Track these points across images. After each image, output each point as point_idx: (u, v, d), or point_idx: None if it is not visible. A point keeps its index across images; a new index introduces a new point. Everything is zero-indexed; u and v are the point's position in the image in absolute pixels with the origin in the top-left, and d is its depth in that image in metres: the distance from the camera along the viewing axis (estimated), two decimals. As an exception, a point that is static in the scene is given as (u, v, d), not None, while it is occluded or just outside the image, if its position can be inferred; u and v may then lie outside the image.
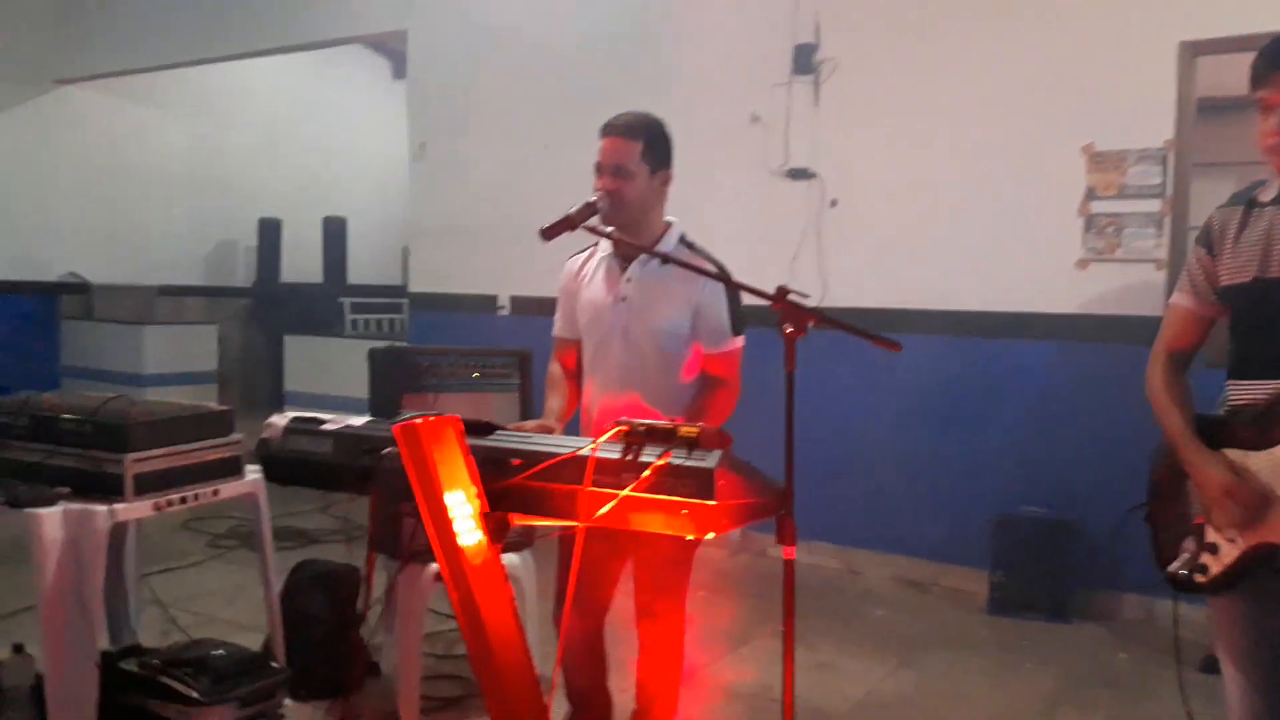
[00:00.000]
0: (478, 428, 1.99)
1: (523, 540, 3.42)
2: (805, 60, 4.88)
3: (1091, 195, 4.30)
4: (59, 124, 8.55)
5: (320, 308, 9.52)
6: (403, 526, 3.00)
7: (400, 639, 3.10)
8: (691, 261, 2.34)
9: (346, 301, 9.76)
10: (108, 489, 2.63)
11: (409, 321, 6.96)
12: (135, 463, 2.64)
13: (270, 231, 9.88)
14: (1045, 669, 3.74)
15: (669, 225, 2.53)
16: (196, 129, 9.55)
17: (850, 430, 4.77)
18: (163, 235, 9.31)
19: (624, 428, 1.85)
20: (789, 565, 1.99)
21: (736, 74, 5.12)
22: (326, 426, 2.13)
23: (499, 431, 2.05)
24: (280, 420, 2.19)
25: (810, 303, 1.94)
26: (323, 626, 3.28)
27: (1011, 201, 4.50)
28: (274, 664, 3.11)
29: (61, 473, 2.68)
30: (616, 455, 1.83)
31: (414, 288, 6.58)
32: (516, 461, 1.90)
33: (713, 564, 4.73)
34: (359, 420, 2.17)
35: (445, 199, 6.41)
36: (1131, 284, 4.23)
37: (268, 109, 10.06)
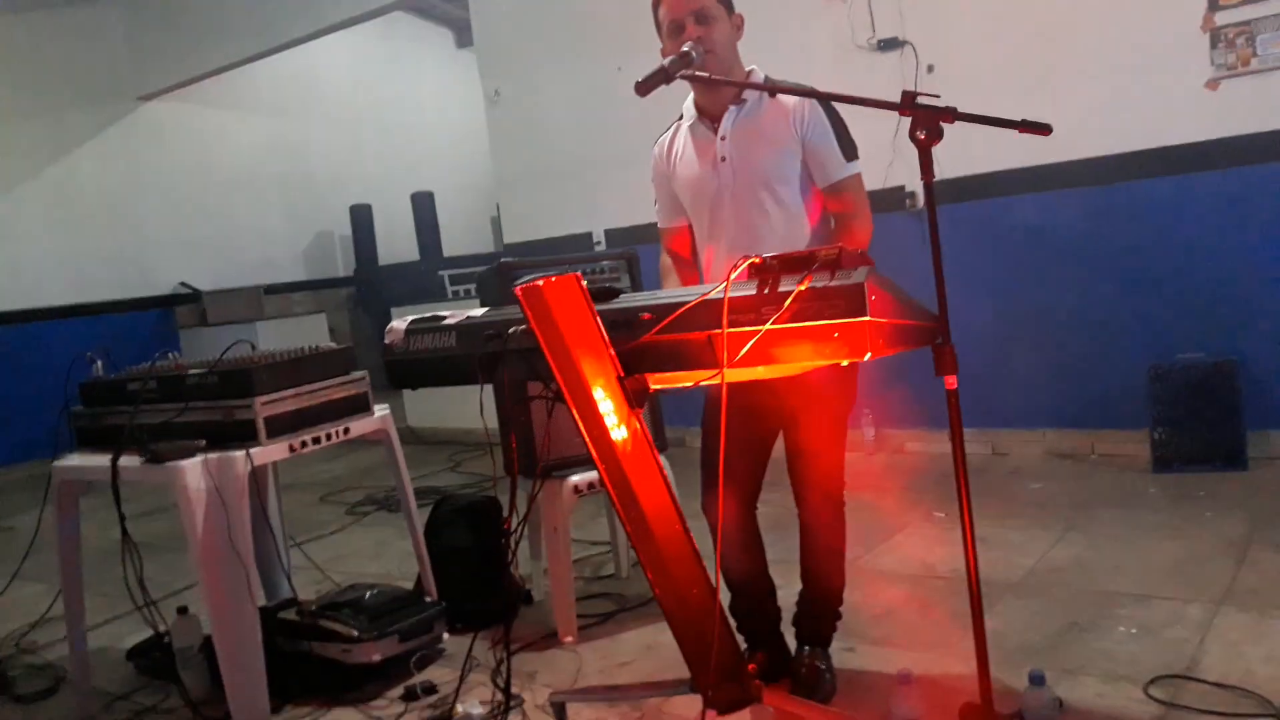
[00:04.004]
0: (601, 294, 1.88)
1: (658, 445, 3.34)
2: (879, -77, 4.62)
3: (1214, 6, 3.94)
4: (148, 140, 8.78)
5: (421, 283, 9.61)
6: (535, 442, 2.96)
7: (549, 551, 3.04)
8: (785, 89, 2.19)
9: (445, 274, 9.82)
10: (242, 435, 2.63)
11: (509, 276, 6.93)
12: (265, 405, 2.63)
13: (362, 217, 10.02)
14: (1228, 514, 3.48)
15: (751, 71, 2.37)
16: (277, 126, 9.73)
17: (978, 304, 4.53)
18: (260, 236, 9.52)
19: (756, 261, 1.72)
20: (952, 396, 1.81)
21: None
22: (448, 321, 2.06)
23: (623, 296, 1.93)
24: (401, 324, 2.13)
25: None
26: (470, 557, 3.26)
27: (1124, 30, 4.17)
28: (428, 598, 3.10)
29: (195, 427, 2.68)
30: (753, 292, 1.71)
31: (508, 238, 6.53)
32: (646, 316, 1.78)
33: (848, 466, 4.58)
34: (479, 311, 2.09)
35: (526, 142, 6.33)
36: (1274, 95, 3.87)
37: (342, 97, 10.19)
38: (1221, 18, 3.94)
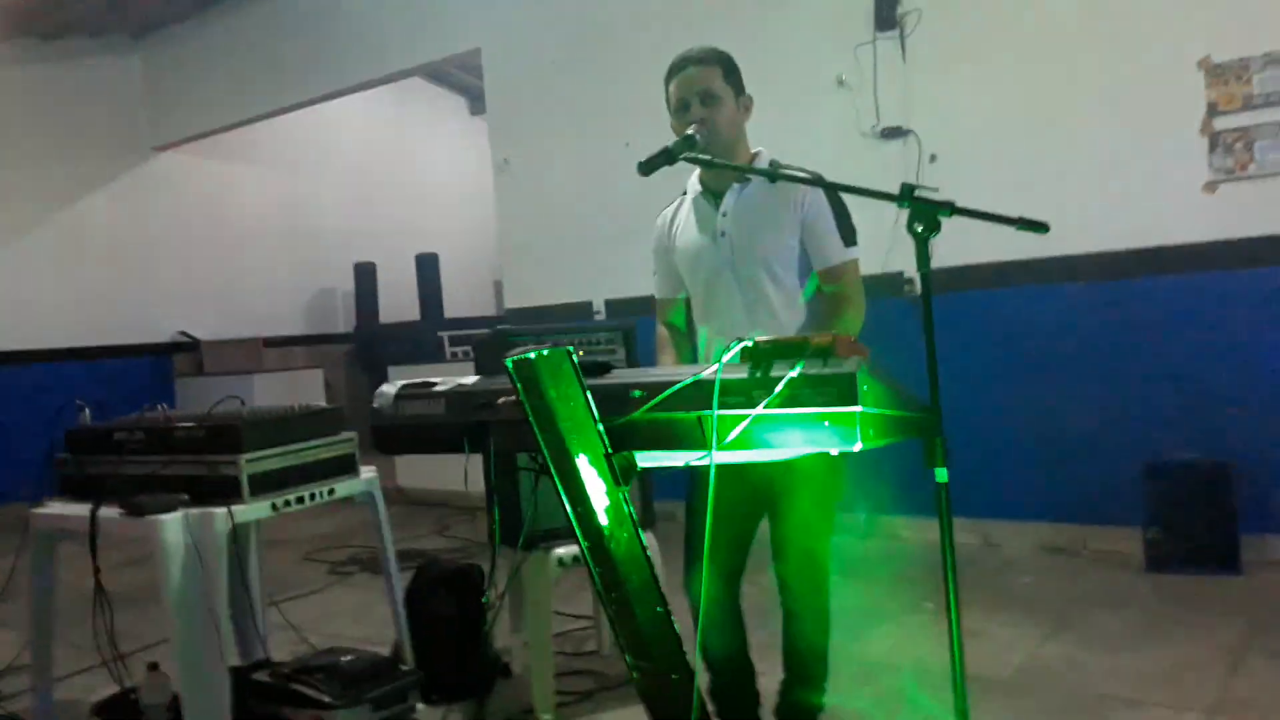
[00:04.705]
0: (593, 369, 1.87)
1: (644, 519, 3.31)
2: (887, 14, 4.71)
3: (1214, 111, 4.01)
4: (159, 190, 8.87)
5: (420, 343, 9.62)
6: (521, 512, 2.93)
7: (530, 624, 2.99)
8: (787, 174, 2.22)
9: (445, 335, 9.85)
10: (225, 492, 2.60)
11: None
12: (250, 463, 2.61)
13: (365, 275, 10.07)
14: (1222, 620, 3.43)
15: (758, 153, 2.41)
16: (288, 182, 9.82)
17: (974, 393, 4.51)
18: (264, 289, 9.55)
19: (749, 343, 1.72)
20: (943, 489, 1.80)
21: (818, 37, 4.98)
22: (438, 388, 2.05)
23: (615, 372, 1.92)
24: (390, 389, 2.11)
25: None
26: (450, 627, 3.20)
27: (1125, 130, 4.24)
28: (404, 667, 3.04)
29: (179, 481, 2.66)
30: (744, 375, 1.70)
31: (509, 304, 6.56)
32: (637, 394, 1.77)
33: (840, 551, 4.52)
34: (470, 379, 2.08)
35: (532, 211, 6.39)
36: (1270, 200, 3.92)
37: (354, 156, 10.30)
38: (1220, 123, 4.01)
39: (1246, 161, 3.94)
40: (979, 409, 4.50)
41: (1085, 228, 4.25)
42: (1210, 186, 4.05)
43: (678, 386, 1.72)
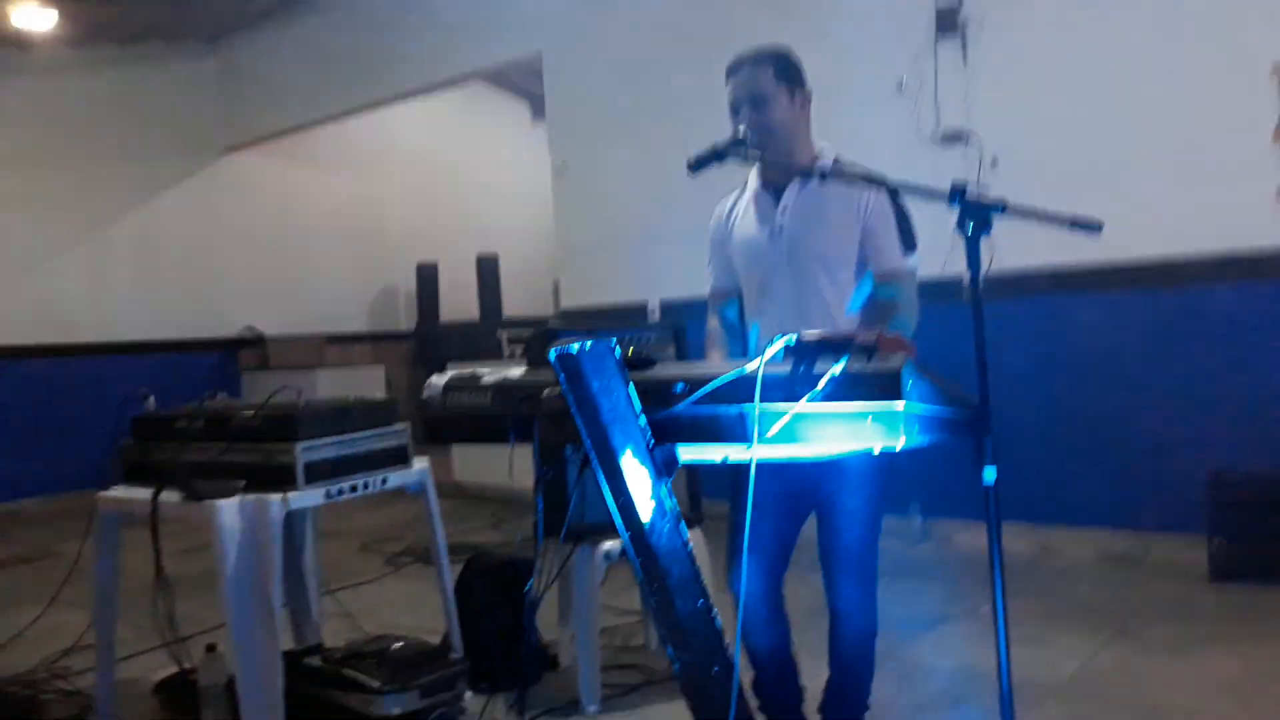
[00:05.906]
0: (638, 362, 1.89)
1: (693, 517, 3.31)
2: (949, 21, 4.66)
3: (1286, 118, 3.91)
4: (229, 189, 9.10)
5: (479, 342, 9.74)
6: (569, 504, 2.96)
7: (576, 617, 3.02)
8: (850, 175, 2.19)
9: (504, 334, 9.95)
10: (281, 479, 2.66)
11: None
12: (305, 451, 2.66)
13: (427, 275, 10.21)
14: (1287, 633, 3.34)
15: (821, 150, 2.39)
16: (354, 184, 10.00)
17: (1037, 399, 4.44)
18: (329, 287, 9.73)
19: (794, 339, 1.71)
20: (990, 490, 1.80)
21: (878, 42, 4.94)
22: (485, 380, 2.08)
23: (659, 365, 1.94)
24: (439, 380, 2.15)
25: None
26: (497, 618, 3.24)
27: (1193, 136, 4.14)
28: (452, 655, 3.08)
29: (237, 468, 2.73)
30: (787, 370, 1.70)
31: (566, 304, 6.61)
32: (680, 388, 1.78)
33: (894, 554, 4.47)
34: (517, 371, 2.11)
35: (589, 213, 6.44)
36: (1342, 208, 3.81)
37: (418, 159, 10.44)
38: (1293, 129, 3.90)
39: (1318, 169, 3.83)
40: (1041, 414, 4.44)
41: (1152, 234, 4.15)
42: (1281, 194, 3.95)
43: (721, 380, 1.73)
